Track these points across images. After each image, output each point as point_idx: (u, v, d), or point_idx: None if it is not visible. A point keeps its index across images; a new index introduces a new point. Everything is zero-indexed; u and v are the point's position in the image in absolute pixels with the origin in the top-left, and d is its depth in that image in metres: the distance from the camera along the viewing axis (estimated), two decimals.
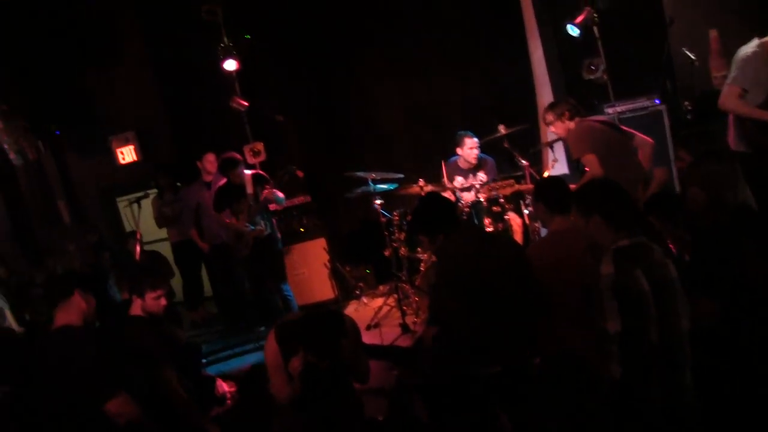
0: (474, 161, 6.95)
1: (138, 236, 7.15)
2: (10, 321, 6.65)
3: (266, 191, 6.57)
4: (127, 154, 8.77)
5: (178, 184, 7.98)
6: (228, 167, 6.62)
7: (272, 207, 6.94)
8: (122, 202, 8.60)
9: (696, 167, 3.47)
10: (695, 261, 3.41)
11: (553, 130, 5.56)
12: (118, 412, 3.38)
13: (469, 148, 6.89)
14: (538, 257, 3.60)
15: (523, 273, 3.58)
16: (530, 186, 5.72)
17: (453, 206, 4.22)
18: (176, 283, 7.06)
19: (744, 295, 3.17)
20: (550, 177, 5.12)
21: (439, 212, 3.99)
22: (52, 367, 3.48)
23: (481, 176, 7.00)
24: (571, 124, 5.30)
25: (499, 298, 3.54)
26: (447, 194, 6.81)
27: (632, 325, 2.93)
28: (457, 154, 7.03)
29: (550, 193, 3.84)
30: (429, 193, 4.97)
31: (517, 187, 5.42)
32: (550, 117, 5.44)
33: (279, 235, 7.02)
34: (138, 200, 7.23)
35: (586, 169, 5.13)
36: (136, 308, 4.07)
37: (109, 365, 3.52)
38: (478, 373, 3.64)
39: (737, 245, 3.24)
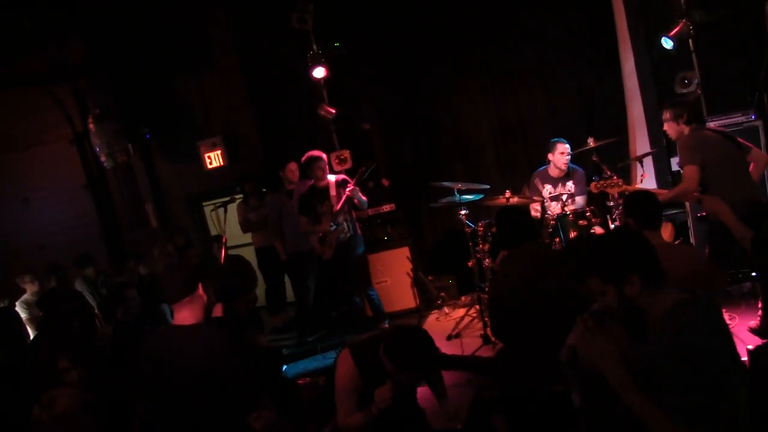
0: (564, 167, 6.86)
1: (223, 240, 7.32)
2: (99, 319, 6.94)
3: (349, 188, 6.68)
4: (214, 159, 8.96)
5: (264, 190, 8.13)
6: (310, 163, 6.83)
7: (355, 214, 7.05)
8: (208, 207, 8.80)
9: None
10: None
11: (666, 128, 5.45)
12: (258, 417, 3.28)
13: (560, 153, 6.81)
14: None
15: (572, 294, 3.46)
16: (634, 186, 5.63)
17: (519, 221, 4.11)
18: (259, 288, 7.20)
19: None
20: (640, 191, 5.02)
21: (503, 227, 4.02)
22: (192, 368, 3.28)
23: (570, 186, 6.93)
24: (686, 129, 5.17)
25: (554, 319, 3.39)
26: (535, 206, 6.80)
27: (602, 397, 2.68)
28: (548, 162, 6.99)
29: (640, 207, 3.79)
30: (503, 208, 4.95)
31: (625, 187, 5.32)
32: (666, 115, 5.33)
33: (362, 238, 7.15)
34: (224, 205, 7.39)
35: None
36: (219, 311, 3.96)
37: (254, 370, 3.46)
38: (542, 391, 3.61)
39: None
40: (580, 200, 6.84)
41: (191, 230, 9.18)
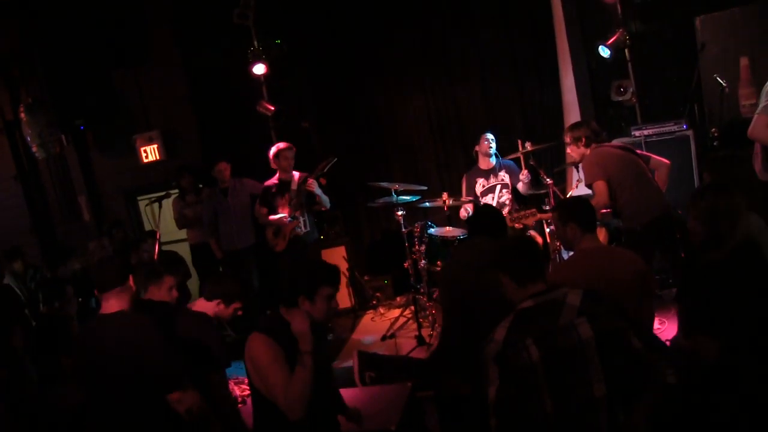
0: (489, 152, 7.00)
1: (157, 236, 7.19)
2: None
3: (309, 182, 6.67)
4: (150, 153, 8.76)
5: (201, 185, 8.00)
6: (279, 153, 6.85)
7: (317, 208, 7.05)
8: (143, 201, 8.62)
9: (696, 200, 3.33)
10: (695, 297, 3.27)
11: (569, 151, 5.55)
12: (180, 400, 3.37)
13: (484, 141, 6.99)
14: (568, 276, 3.58)
15: None
16: (549, 214, 5.72)
17: (478, 215, 4.34)
18: (193, 284, 7.10)
19: (744, 333, 3.04)
20: (578, 197, 5.09)
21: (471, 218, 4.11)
22: (115, 353, 3.42)
23: (503, 175, 7.03)
24: (587, 151, 5.29)
25: (491, 311, 3.51)
26: (467, 206, 6.88)
27: (519, 395, 2.76)
28: (476, 157, 7.14)
29: (582, 212, 3.84)
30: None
31: (540, 216, 5.40)
32: (567, 139, 5.44)
33: (317, 236, 7.17)
34: (159, 200, 7.25)
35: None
36: (203, 307, 4.09)
37: (175, 354, 3.50)
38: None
39: (736, 281, 3.11)
40: (520, 186, 6.93)
41: (126, 225, 8.95)
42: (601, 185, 5.01)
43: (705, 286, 3.22)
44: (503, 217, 4.54)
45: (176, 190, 8.05)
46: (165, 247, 7.72)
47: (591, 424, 2.74)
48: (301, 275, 3.31)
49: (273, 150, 6.92)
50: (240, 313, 4.21)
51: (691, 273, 3.44)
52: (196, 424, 3.43)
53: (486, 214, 4.25)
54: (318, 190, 6.75)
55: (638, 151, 5.38)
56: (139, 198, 9.32)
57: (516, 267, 3.02)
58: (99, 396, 3.50)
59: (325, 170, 6.70)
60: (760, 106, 5.02)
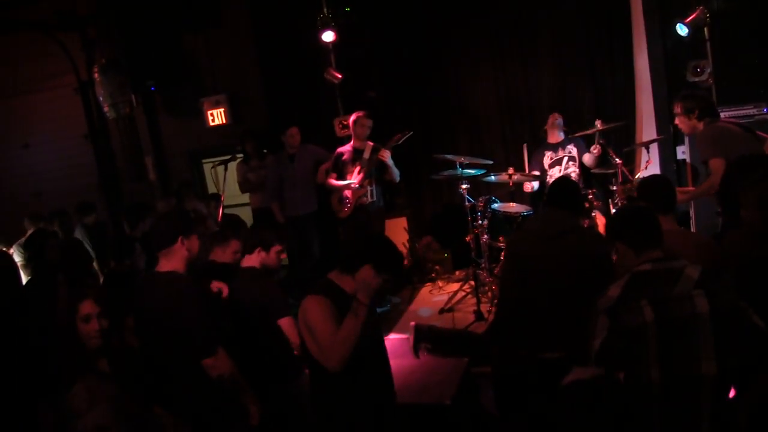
0: (558, 128, 7.04)
1: (221, 199, 7.31)
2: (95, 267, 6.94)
3: (384, 154, 6.71)
4: (217, 117, 8.89)
5: (265, 151, 8.09)
6: (357, 120, 6.91)
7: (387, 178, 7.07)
8: (208, 164, 8.75)
9: (753, 187, 3.21)
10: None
11: (677, 122, 5.35)
12: (213, 365, 3.41)
13: (552, 119, 7.06)
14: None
15: (585, 268, 3.62)
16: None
17: (554, 188, 4.18)
18: None
19: None
20: (656, 176, 4.95)
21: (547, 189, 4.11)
22: (154, 312, 3.53)
23: (570, 148, 7.00)
24: (699, 124, 5.08)
25: (555, 283, 3.64)
26: (530, 183, 6.85)
27: (626, 351, 2.72)
28: (545, 135, 7.19)
29: (657, 192, 3.77)
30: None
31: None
32: (677, 109, 5.20)
33: (383, 209, 7.25)
34: (224, 163, 7.37)
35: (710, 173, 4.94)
36: (252, 261, 4.15)
37: (212, 318, 3.52)
38: (541, 359, 3.67)
39: None
40: (587, 158, 6.86)
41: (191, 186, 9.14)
42: (719, 163, 4.74)
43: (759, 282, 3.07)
44: (579, 190, 4.42)
45: (241, 155, 8.15)
46: (228, 211, 7.84)
47: (693, 401, 2.67)
48: (375, 249, 3.28)
49: (353, 117, 6.97)
50: (284, 255, 4.28)
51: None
52: (228, 390, 3.48)
53: (561, 185, 4.18)
54: (390, 161, 6.76)
55: (758, 132, 5.17)
56: (204, 161, 9.48)
57: (633, 234, 2.96)
58: (146, 354, 3.61)
59: (400, 142, 6.71)
60: None
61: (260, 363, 3.92)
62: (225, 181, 7.36)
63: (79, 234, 7.78)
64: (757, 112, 6.46)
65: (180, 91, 9.19)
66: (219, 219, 7.16)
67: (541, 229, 3.96)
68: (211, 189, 8.40)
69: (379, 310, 6.10)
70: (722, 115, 6.42)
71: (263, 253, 4.16)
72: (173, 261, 3.57)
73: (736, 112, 6.50)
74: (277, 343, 3.96)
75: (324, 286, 3.26)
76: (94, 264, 6.76)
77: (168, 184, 9.41)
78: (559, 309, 3.67)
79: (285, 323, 3.96)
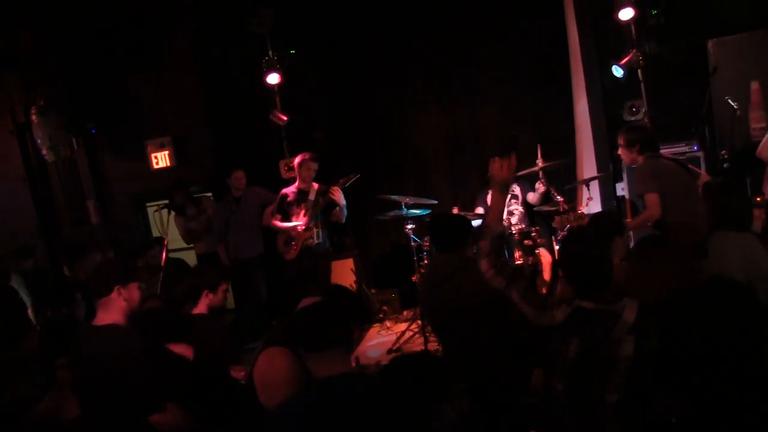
0: None
1: (165, 243, 7.18)
2: (31, 316, 6.69)
3: (334, 193, 6.69)
4: (161, 159, 8.76)
5: (195, 196, 8.03)
6: (303, 163, 6.90)
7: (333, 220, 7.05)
8: (152, 208, 8.61)
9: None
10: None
11: (619, 152, 5.51)
12: (162, 422, 3.21)
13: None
14: None
15: (478, 305, 3.62)
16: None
17: (447, 226, 4.21)
18: None
19: None
20: (606, 212, 5.09)
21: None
22: (93, 369, 3.34)
23: (514, 188, 7.12)
24: (640, 158, 5.23)
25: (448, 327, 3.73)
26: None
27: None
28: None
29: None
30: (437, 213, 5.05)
31: (583, 220, 5.40)
32: (620, 140, 5.38)
33: (330, 250, 7.21)
34: (168, 207, 7.26)
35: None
36: (202, 308, 4.09)
37: (159, 372, 3.39)
38: None
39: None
40: (531, 196, 6.99)
41: (134, 230, 8.97)
42: (654, 197, 4.93)
43: None
44: (455, 224, 4.31)
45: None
46: (173, 255, 7.72)
47: (597, 425, 2.83)
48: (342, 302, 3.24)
49: (298, 159, 6.96)
50: (229, 294, 4.23)
51: None
52: None
53: (437, 226, 4.21)
54: (343, 201, 6.76)
55: (690, 167, 5.32)
56: (148, 204, 9.32)
57: (577, 276, 3.00)
58: (86, 411, 3.38)
59: (347, 185, 6.72)
60: None
61: (219, 415, 3.78)
62: (169, 225, 7.25)
63: (15, 281, 7.51)
64: (688, 150, 6.70)
65: (124, 134, 9.03)
66: (162, 264, 7.04)
67: (429, 275, 4.00)
68: (156, 233, 8.25)
69: None
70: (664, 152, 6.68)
71: (211, 295, 4.10)
72: (111, 312, 3.41)
73: (669, 150, 6.71)
74: (235, 392, 3.83)
75: (283, 335, 3.17)
76: (29, 312, 6.52)
77: (111, 228, 9.20)
78: (463, 347, 3.71)
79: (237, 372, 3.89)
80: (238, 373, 3.99)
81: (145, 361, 3.33)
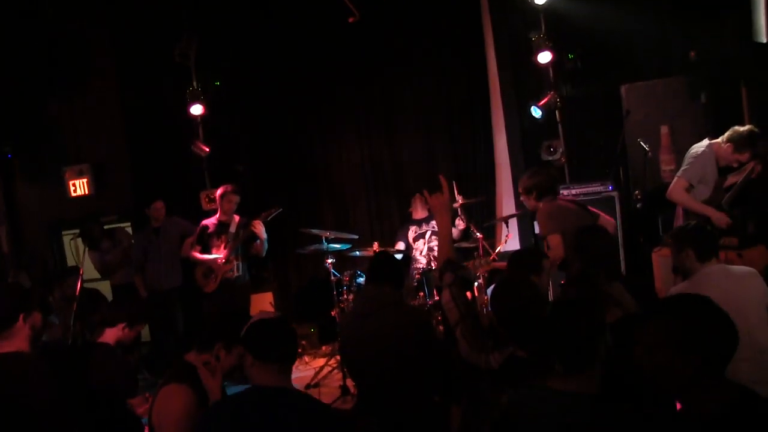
0: (420, 205, 7.24)
1: (80, 272, 6.97)
2: None
3: (255, 223, 6.57)
4: (79, 187, 8.54)
5: (105, 227, 7.85)
6: (225, 195, 6.77)
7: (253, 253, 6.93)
8: (68, 236, 8.36)
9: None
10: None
11: (522, 200, 5.63)
12: None
13: (417, 200, 7.24)
14: None
15: (405, 340, 3.59)
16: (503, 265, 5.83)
17: (373, 264, 4.19)
18: None
19: None
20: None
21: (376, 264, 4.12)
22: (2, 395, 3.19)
23: (434, 223, 7.13)
24: (539, 204, 5.34)
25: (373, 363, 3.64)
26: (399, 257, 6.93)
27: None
28: (410, 214, 7.39)
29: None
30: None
31: (494, 265, 5.47)
32: (520, 188, 5.50)
33: (249, 283, 7.09)
34: (82, 241, 7.05)
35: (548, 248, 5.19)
36: (108, 336, 3.93)
37: (67, 401, 3.28)
38: None
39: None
40: (454, 231, 7.02)
41: (49, 259, 8.68)
42: (556, 239, 4.95)
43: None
44: (399, 264, 4.36)
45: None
46: (88, 285, 7.47)
47: None
48: (226, 324, 3.18)
49: (219, 191, 6.86)
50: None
51: None
52: None
53: (381, 260, 4.12)
54: (264, 235, 6.68)
55: (589, 207, 5.47)
56: (64, 232, 9.05)
57: (512, 327, 2.97)
58: None
59: (269, 219, 6.66)
60: (681, 169, 5.33)
61: None
62: (85, 254, 7.04)
63: None
64: (603, 189, 6.88)
65: (41, 159, 8.80)
66: (77, 293, 6.83)
67: (357, 307, 3.99)
68: (71, 262, 8.00)
69: (241, 387, 5.90)
70: (573, 192, 6.85)
71: (126, 330, 3.96)
72: (16, 341, 3.28)
73: (585, 189, 6.91)
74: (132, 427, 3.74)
75: (184, 370, 3.08)
76: None
77: (24, 256, 8.89)
78: (380, 384, 3.70)
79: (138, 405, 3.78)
80: (140, 408, 3.86)
81: (53, 389, 3.24)
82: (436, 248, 7.11)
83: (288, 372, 2.84)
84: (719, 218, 5.11)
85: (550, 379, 2.47)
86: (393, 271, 4.07)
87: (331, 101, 8.21)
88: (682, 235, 3.89)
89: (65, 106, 8.76)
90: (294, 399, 2.76)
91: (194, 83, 7.72)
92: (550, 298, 6.53)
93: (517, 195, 7.53)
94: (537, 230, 7.25)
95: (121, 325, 3.94)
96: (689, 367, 2.06)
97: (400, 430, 3.59)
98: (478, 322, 3.19)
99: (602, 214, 5.52)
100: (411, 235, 7.26)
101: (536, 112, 7.16)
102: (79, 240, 7.03)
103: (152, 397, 3.16)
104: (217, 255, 6.74)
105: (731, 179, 5.29)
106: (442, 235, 3.48)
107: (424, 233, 7.21)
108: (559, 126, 7.37)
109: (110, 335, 3.95)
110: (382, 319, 3.74)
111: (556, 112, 7.32)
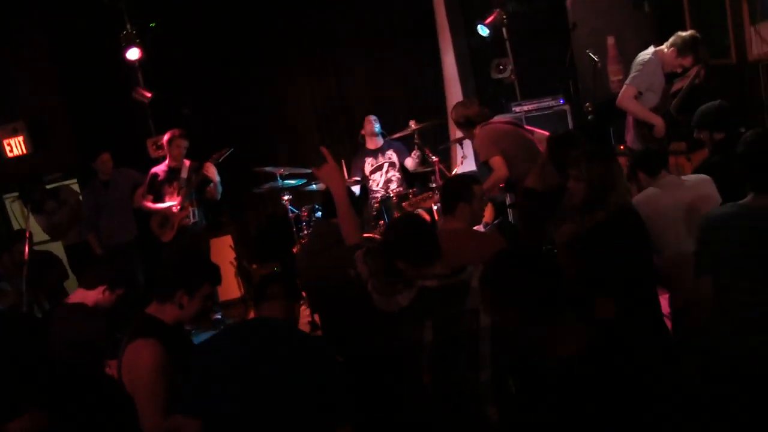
0: (374, 132, 7.11)
1: (27, 235, 6.73)
2: None
3: (208, 169, 6.42)
4: (15, 146, 8.10)
5: (49, 187, 7.56)
6: (172, 140, 6.63)
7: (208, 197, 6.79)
8: (9, 199, 8.03)
9: (579, 165, 3.42)
10: (586, 261, 3.34)
11: (459, 131, 5.65)
12: (19, 429, 3.04)
13: (368, 123, 7.11)
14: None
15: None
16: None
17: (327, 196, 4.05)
18: (71, 287, 6.73)
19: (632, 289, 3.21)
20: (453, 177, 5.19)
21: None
22: None
23: (390, 154, 7.11)
24: (474, 131, 5.35)
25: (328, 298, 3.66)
26: (356, 188, 6.86)
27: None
28: (363, 140, 7.24)
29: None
30: None
31: (434, 199, 5.50)
32: (453, 121, 5.57)
33: (207, 227, 7.04)
34: (24, 203, 6.81)
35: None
36: (82, 297, 3.81)
37: (15, 374, 3.18)
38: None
39: (622, 243, 3.27)
40: (409, 162, 7.01)
41: None
42: (498, 160, 5.05)
43: (593, 249, 3.31)
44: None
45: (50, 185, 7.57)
46: (38, 248, 7.23)
47: (474, 405, 2.80)
48: (182, 269, 3.13)
49: (167, 136, 6.68)
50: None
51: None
52: None
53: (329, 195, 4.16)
54: (217, 177, 6.53)
55: (526, 126, 5.51)
56: (5, 196, 8.68)
57: (409, 251, 2.89)
58: None
59: (220, 160, 6.50)
60: (629, 77, 5.40)
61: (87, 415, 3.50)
62: (30, 216, 6.79)
63: None
64: (554, 104, 6.93)
65: None
66: (26, 257, 6.60)
67: (309, 244, 3.97)
68: (16, 225, 7.72)
69: (206, 334, 5.83)
70: (525, 108, 6.87)
71: (107, 293, 3.82)
72: None
73: (537, 104, 6.94)
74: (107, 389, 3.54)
75: (148, 324, 2.98)
76: None
77: None
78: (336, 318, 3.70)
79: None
80: (112, 369, 3.76)
81: None
82: (393, 178, 7.08)
83: None
84: (659, 129, 5.23)
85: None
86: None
87: (273, 34, 7.98)
88: (631, 164, 3.98)
89: None
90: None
91: (128, 26, 7.38)
92: (483, 222, 6.64)
93: None
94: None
95: (101, 288, 3.80)
96: None
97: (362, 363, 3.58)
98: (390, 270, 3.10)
99: (536, 129, 5.60)
100: (367, 168, 7.18)
101: (483, 31, 7.09)
102: (22, 203, 6.78)
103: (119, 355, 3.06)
104: (171, 203, 6.58)
105: (677, 85, 5.42)
106: (340, 203, 3.30)
107: (381, 165, 7.14)
108: (507, 43, 7.31)
109: (89, 297, 3.81)
110: (331, 255, 3.68)
111: (503, 30, 7.25)
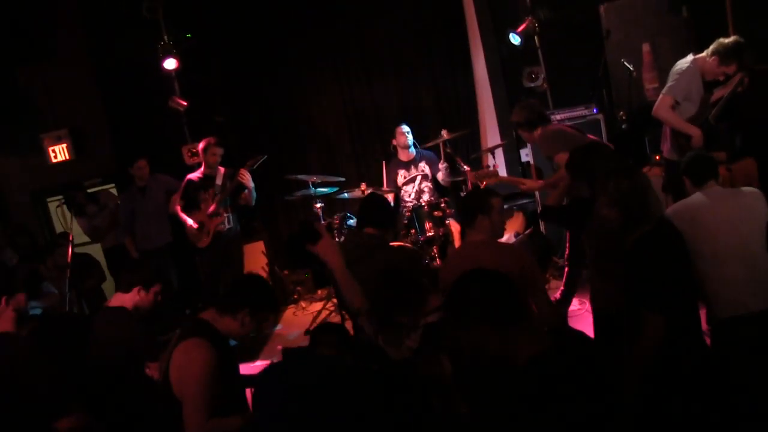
0: (407, 144, 7.09)
1: (69, 238, 6.92)
2: None
3: (242, 176, 6.50)
4: (59, 153, 8.40)
5: (91, 192, 7.79)
6: (207, 148, 6.71)
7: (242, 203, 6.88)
8: (53, 203, 8.28)
9: (604, 187, 3.28)
10: (633, 280, 3.19)
11: (520, 132, 5.56)
12: (68, 428, 3.13)
13: (400, 134, 7.08)
14: None
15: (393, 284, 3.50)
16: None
17: (361, 209, 4.20)
18: (109, 288, 6.91)
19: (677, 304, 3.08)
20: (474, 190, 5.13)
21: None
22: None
23: (423, 166, 7.10)
24: (535, 133, 5.25)
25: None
26: (390, 197, 6.88)
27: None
28: (395, 150, 7.22)
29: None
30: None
31: (499, 178, 5.47)
32: (513, 122, 5.48)
33: (240, 233, 7.11)
34: (68, 207, 7.00)
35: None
36: (120, 301, 3.89)
37: (61, 376, 3.29)
38: None
39: (666, 257, 3.13)
40: (441, 176, 7.00)
41: (36, 228, 8.59)
42: (565, 156, 4.96)
43: (640, 265, 3.16)
44: (386, 205, 4.36)
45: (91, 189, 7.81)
46: (78, 250, 7.43)
47: None
48: (257, 291, 3.20)
49: (202, 144, 6.79)
50: (160, 298, 4.03)
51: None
52: None
53: (368, 204, 4.15)
54: (251, 183, 6.62)
55: (589, 136, 5.39)
56: (49, 200, 8.95)
57: (399, 308, 2.97)
58: None
59: (254, 167, 6.59)
60: (666, 86, 5.20)
61: (129, 417, 3.60)
62: (73, 219, 6.99)
63: None
64: (588, 113, 6.84)
65: (17, 129, 8.62)
66: (69, 260, 6.78)
67: (346, 255, 3.98)
68: (59, 228, 7.94)
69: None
70: (558, 117, 6.81)
71: (142, 293, 3.90)
72: (1, 323, 3.39)
73: (569, 114, 6.86)
74: (148, 392, 3.65)
75: (203, 327, 3.07)
76: None
77: (9, 228, 8.79)
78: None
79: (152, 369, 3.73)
80: (153, 371, 3.84)
81: (44, 366, 3.27)
82: (426, 190, 7.07)
83: None
84: (696, 140, 4.98)
85: None
86: (378, 214, 4.06)
87: (304, 44, 8.06)
88: (673, 172, 3.82)
89: (36, 74, 8.54)
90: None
91: (165, 37, 7.54)
92: (514, 231, 6.58)
93: (501, 125, 7.53)
94: (525, 157, 7.27)
95: (136, 289, 3.88)
96: None
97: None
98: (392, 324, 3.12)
99: (592, 137, 5.49)
100: (400, 180, 7.18)
101: (515, 39, 7.05)
102: (65, 207, 6.98)
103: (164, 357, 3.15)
104: (191, 221, 6.70)
105: (718, 93, 5.17)
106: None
107: (414, 178, 7.11)
108: (539, 51, 7.28)
109: (127, 300, 3.89)
110: (372, 262, 3.71)
111: (535, 38, 7.21)
